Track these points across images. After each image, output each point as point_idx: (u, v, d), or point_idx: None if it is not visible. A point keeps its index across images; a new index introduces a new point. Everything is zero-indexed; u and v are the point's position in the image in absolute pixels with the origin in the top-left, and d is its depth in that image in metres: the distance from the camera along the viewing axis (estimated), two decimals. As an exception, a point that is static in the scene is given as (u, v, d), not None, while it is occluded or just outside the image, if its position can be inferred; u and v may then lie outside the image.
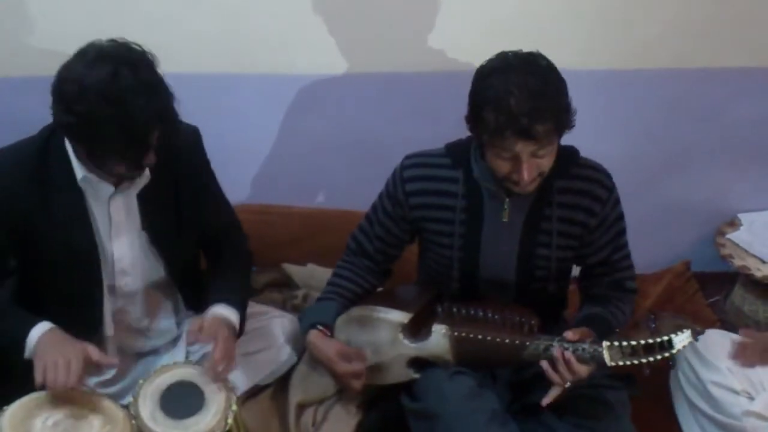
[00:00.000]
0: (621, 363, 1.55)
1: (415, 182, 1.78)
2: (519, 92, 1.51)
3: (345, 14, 2.34)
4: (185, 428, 1.56)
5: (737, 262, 2.50)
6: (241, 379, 1.81)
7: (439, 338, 1.75)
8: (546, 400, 1.63)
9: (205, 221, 1.82)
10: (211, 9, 2.30)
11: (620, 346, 1.55)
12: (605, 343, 1.57)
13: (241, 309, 1.77)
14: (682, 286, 2.50)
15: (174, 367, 1.69)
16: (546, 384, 1.63)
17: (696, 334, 1.53)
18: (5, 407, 1.53)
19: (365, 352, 1.83)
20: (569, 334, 1.62)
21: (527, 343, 1.65)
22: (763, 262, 2.49)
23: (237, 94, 2.44)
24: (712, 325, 2.17)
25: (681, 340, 1.52)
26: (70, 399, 1.56)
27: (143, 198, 1.68)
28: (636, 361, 1.54)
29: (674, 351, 1.52)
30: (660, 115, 2.51)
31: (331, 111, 2.49)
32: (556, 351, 1.59)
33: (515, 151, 1.55)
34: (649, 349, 1.53)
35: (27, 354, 1.58)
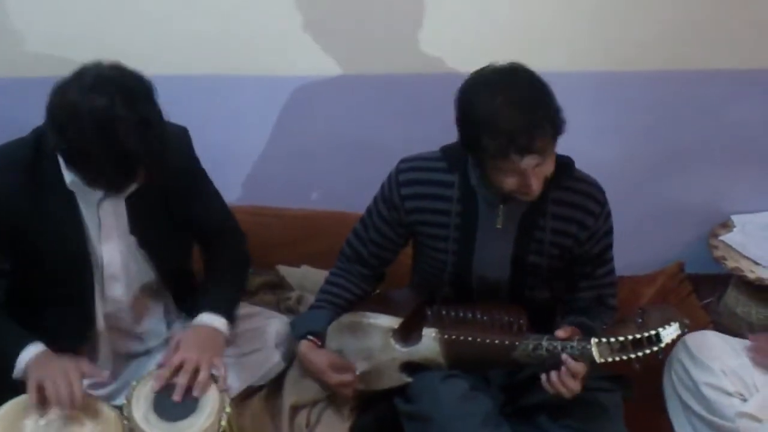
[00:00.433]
0: (610, 359, 1.56)
1: (410, 186, 1.77)
2: (510, 110, 1.49)
3: (340, 16, 2.33)
4: (179, 430, 1.55)
5: (730, 264, 2.51)
6: (234, 381, 1.80)
7: (429, 342, 1.75)
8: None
9: (196, 222, 1.81)
10: (207, 10, 2.29)
11: (608, 342, 1.56)
12: (593, 340, 1.58)
13: (230, 313, 1.76)
14: (676, 288, 2.49)
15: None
16: (538, 387, 1.63)
17: (683, 327, 1.54)
18: (-4, 409, 1.52)
19: (358, 359, 1.83)
20: (559, 332, 1.62)
21: (516, 343, 1.65)
22: (756, 263, 2.50)
23: (232, 96, 2.43)
24: (705, 327, 2.16)
25: (669, 333, 1.53)
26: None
27: (131, 202, 1.67)
28: (625, 357, 1.55)
29: (662, 345, 1.53)
30: (654, 116, 2.51)
31: (327, 112, 2.49)
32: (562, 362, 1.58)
33: (521, 168, 1.53)
34: (637, 344, 1.54)
35: (16, 374, 1.57)
